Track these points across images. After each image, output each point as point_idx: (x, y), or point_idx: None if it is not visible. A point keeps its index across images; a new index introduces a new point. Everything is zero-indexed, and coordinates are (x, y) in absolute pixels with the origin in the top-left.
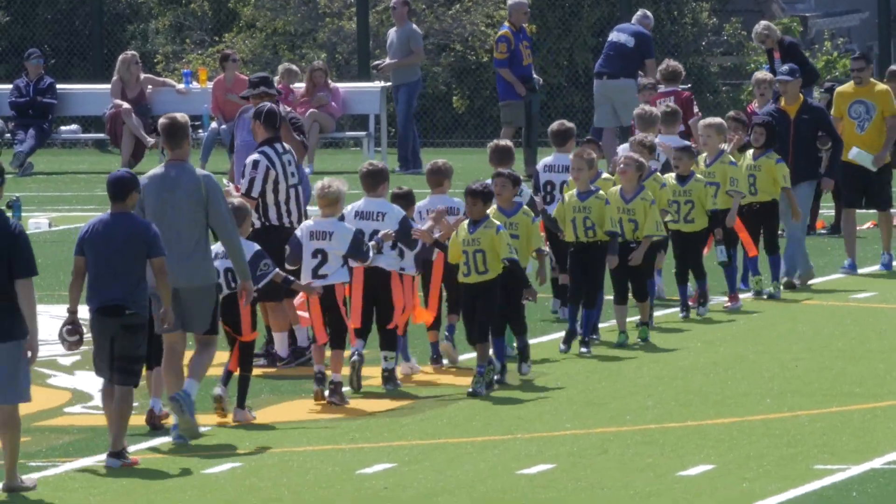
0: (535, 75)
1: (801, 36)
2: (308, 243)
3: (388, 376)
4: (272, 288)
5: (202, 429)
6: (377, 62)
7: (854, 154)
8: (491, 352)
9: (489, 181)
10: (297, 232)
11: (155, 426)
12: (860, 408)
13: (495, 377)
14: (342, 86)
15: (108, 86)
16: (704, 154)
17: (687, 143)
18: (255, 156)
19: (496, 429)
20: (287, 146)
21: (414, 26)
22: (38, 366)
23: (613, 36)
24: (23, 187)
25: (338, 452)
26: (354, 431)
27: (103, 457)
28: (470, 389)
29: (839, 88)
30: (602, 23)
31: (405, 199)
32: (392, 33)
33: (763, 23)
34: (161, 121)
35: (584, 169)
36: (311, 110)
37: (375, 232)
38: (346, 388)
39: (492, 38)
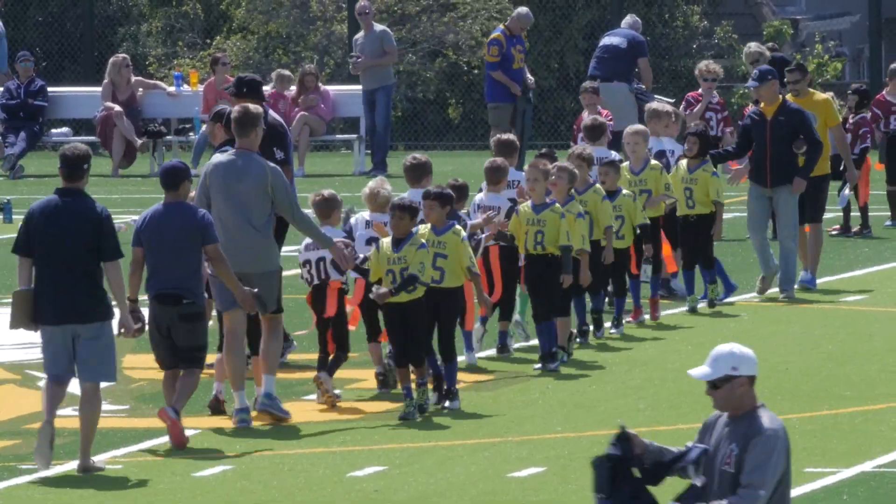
0: (529, 76)
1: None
2: (363, 232)
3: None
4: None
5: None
6: (353, 55)
7: (844, 199)
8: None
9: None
10: (351, 220)
11: (218, 410)
12: (851, 411)
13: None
14: (333, 89)
15: (99, 88)
16: (626, 163)
17: (614, 157)
18: (218, 156)
19: (487, 432)
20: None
21: (383, 27)
22: (30, 369)
23: (605, 40)
24: (14, 190)
25: (329, 455)
26: (346, 434)
27: (94, 458)
28: (401, 415)
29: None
30: (593, 25)
31: (460, 191)
32: (360, 37)
33: (754, 45)
34: (234, 109)
35: (540, 180)
36: (302, 113)
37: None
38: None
39: (484, 45)
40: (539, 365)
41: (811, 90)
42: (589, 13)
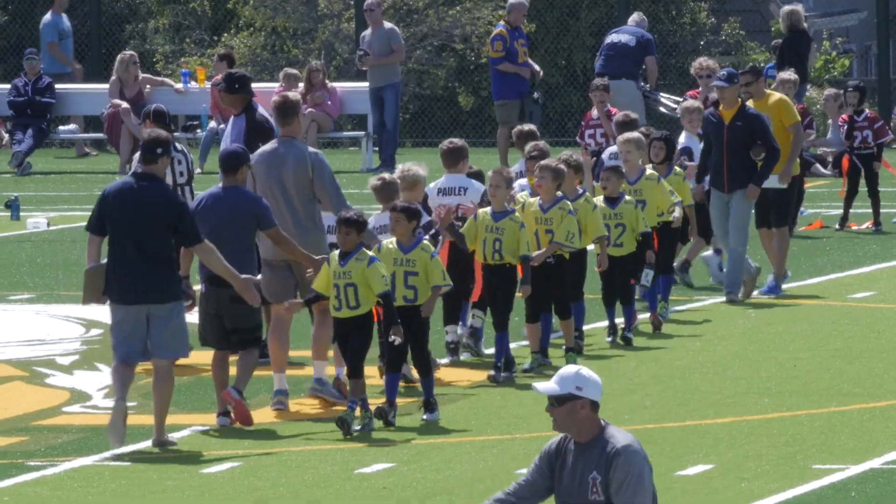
0: (535, 66)
1: None
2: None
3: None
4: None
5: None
6: (360, 50)
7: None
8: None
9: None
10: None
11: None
12: (859, 407)
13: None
14: (340, 86)
15: (107, 85)
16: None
17: (616, 163)
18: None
19: (495, 428)
20: (179, 145)
21: (392, 25)
22: (36, 365)
23: (613, 37)
24: (21, 187)
25: (336, 452)
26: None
27: (101, 456)
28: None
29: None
30: (600, 23)
31: (477, 178)
32: (368, 34)
33: (787, 8)
34: (273, 98)
35: (502, 187)
36: (309, 110)
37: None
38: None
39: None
40: (493, 373)
41: (767, 91)
42: (596, 10)
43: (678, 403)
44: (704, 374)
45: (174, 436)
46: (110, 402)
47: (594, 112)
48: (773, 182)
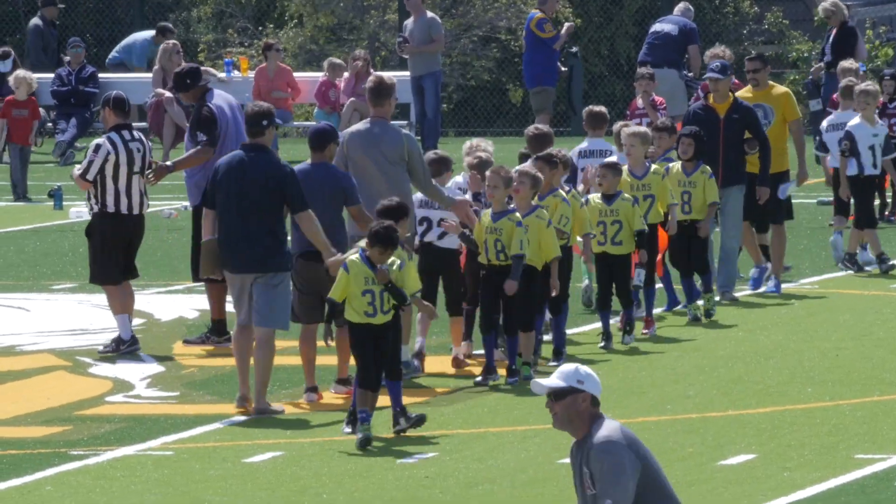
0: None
1: None
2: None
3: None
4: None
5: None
6: (400, 36)
7: (784, 191)
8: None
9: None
10: (449, 184)
11: (459, 365)
12: None
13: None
14: (384, 75)
15: (150, 75)
16: (625, 166)
17: (613, 160)
18: (98, 140)
19: (537, 418)
20: (137, 133)
21: (433, 15)
22: (79, 354)
23: (657, 26)
24: (64, 177)
25: (379, 441)
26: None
27: (144, 445)
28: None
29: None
30: (644, 12)
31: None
32: (410, 23)
33: (829, 4)
34: (369, 80)
35: (500, 187)
36: (351, 99)
37: None
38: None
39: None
40: (480, 378)
41: (771, 83)
42: None
43: (721, 393)
44: (747, 363)
45: (214, 426)
46: (153, 392)
47: (639, 101)
48: (790, 188)
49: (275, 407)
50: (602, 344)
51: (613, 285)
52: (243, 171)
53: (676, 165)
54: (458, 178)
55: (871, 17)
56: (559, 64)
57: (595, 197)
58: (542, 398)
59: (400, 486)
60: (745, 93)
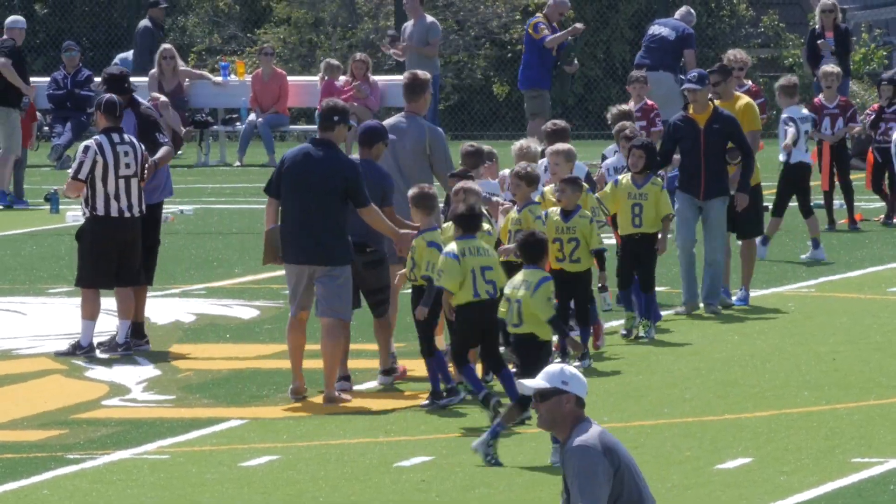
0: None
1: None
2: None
3: None
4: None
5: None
6: (391, 33)
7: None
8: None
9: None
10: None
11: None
12: None
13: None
14: (379, 79)
15: (146, 79)
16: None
17: (574, 175)
18: (87, 141)
19: (533, 421)
20: (128, 137)
21: (433, 19)
22: (75, 358)
23: (654, 29)
24: (60, 180)
25: (375, 445)
26: (391, 424)
27: (140, 449)
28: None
29: None
30: (639, 15)
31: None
32: (409, 25)
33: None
34: (405, 75)
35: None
36: (351, 103)
37: None
38: None
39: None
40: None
41: (736, 93)
42: (635, 3)
43: (718, 397)
44: (744, 367)
45: (210, 430)
46: (149, 396)
47: (632, 104)
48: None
49: (344, 396)
50: (558, 360)
51: (572, 302)
52: (307, 165)
53: (626, 177)
54: (505, 172)
55: (867, 21)
56: (564, 64)
57: (555, 212)
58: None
59: (396, 490)
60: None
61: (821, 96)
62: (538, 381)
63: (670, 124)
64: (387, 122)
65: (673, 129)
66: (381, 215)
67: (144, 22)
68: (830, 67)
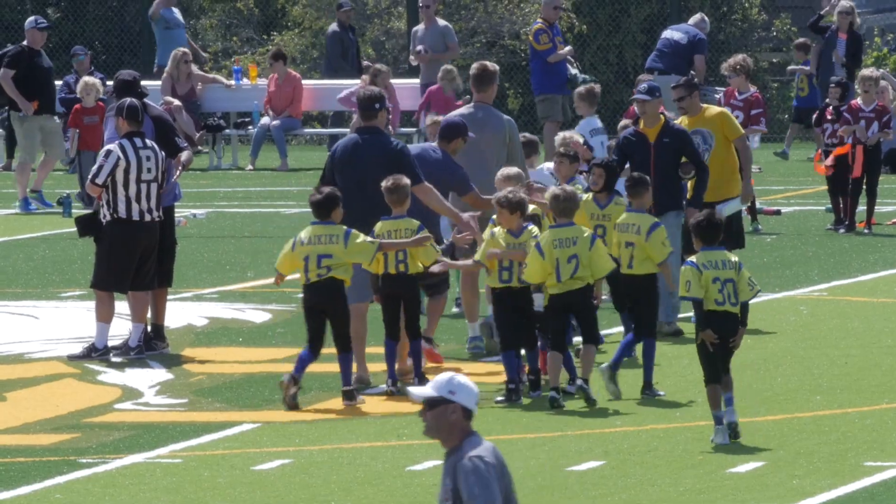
0: (580, 74)
1: None
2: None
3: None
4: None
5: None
6: (420, 48)
7: (725, 209)
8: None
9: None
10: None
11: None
12: None
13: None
14: (487, 63)
15: (159, 83)
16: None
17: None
18: (110, 146)
19: (546, 426)
20: (150, 142)
21: (446, 23)
22: (89, 362)
23: (667, 33)
24: (73, 184)
25: (388, 449)
26: (404, 428)
27: (153, 453)
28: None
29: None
30: (651, 20)
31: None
32: (420, 30)
33: (848, 3)
34: (473, 66)
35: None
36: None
37: None
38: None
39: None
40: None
41: (704, 105)
42: (647, 7)
43: None
44: (756, 370)
45: (222, 434)
46: (162, 399)
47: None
48: (734, 206)
49: (370, 380)
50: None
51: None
52: (359, 153)
53: (588, 197)
54: (550, 164)
55: (879, 25)
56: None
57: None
58: (548, 407)
59: (408, 494)
60: (680, 122)
61: (858, 99)
62: (426, 390)
63: (621, 138)
64: (459, 112)
65: (624, 143)
66: (438, 195)
67: (333, 26)
68: (869, 71)
